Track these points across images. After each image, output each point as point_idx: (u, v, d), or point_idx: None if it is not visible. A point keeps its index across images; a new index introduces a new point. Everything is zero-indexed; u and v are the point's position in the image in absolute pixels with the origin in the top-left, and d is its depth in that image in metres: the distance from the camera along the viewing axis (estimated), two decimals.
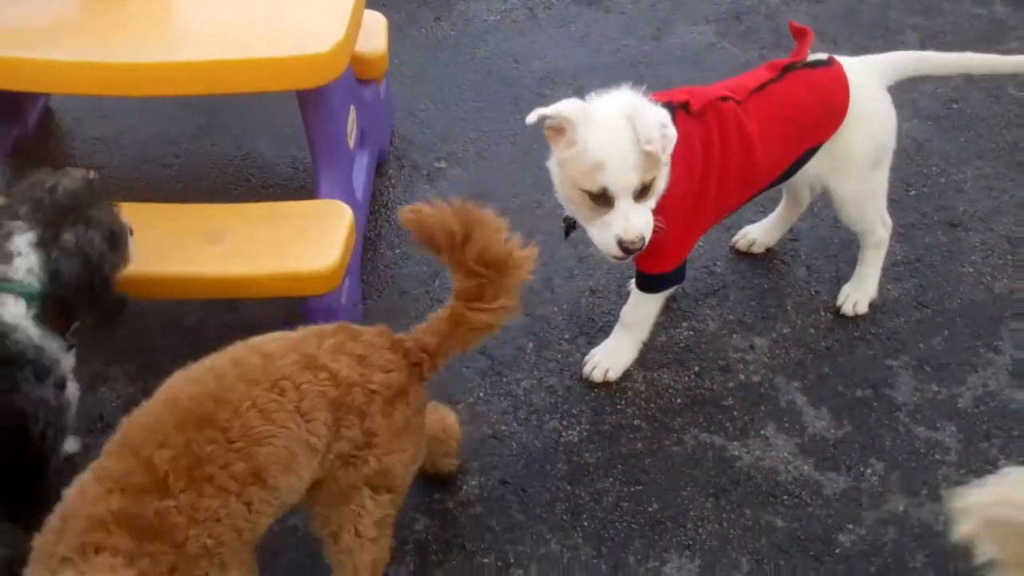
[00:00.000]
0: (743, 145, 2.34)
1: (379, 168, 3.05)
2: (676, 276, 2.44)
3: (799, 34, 2.47)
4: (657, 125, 2.05)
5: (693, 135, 2.27)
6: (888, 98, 2.51)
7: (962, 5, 3.68)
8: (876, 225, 2.62)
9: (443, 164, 3.09)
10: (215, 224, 2.39)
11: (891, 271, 2.78)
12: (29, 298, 2.03)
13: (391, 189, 3.02)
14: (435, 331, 1.94)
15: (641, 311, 2.50)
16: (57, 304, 2.07)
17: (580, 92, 2.21)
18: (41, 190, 2.09)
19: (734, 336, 2.65)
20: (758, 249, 2.84)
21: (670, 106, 2.24)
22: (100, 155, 3.10)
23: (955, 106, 3.29)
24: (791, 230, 2.87)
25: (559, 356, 2.61)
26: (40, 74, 2.40)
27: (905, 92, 3.24)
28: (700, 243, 2.84)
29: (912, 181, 3.05)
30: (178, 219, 2.40)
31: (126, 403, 2.46)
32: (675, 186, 2.23)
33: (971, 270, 2.81)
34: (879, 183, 2.56)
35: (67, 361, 2.12)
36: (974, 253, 2.85)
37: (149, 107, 3.26)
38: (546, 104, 2.17)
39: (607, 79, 2.28)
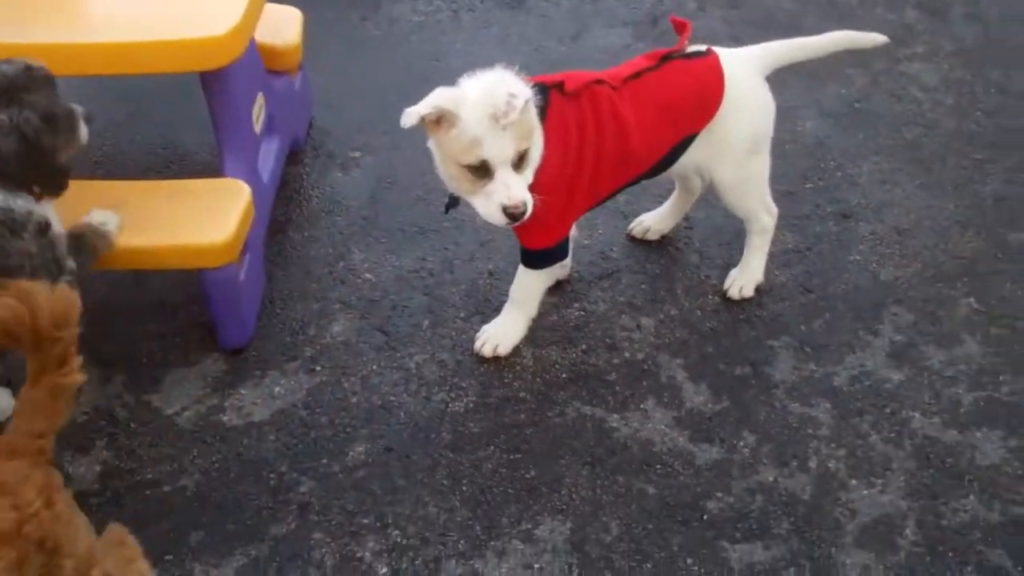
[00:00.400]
0: (617, 128, 2.44)
1: (294, 156, 3.15)
2: (558, 252, 2.53)
3: (679, 27, 2.58)
4: (505, 94, 2.15)
5: (568, 115, 2.37)
6: (765, 86, 2.62)
7: (874, 11, 3.80)
8: (759, 212, 2.72)
9: (357, 154, 3.20)
10: (116, 198, 2.49)
11: (780, 258, 2.89)
12: None
13: (305, 176, 3.12)
14: (39, 413, 1.76)
15: (527, 288, 2.59)
16: (4, 176, 2.20)
17: None
18: None
19: (623, 317, 2.75)
20: (653, 236, 2.94)
21: (543, 86, 2.35)
22: None
23: (857, 105, 3.41)
24: (686, 219, 2.97)
25: (453, 333, 2.70)
26: None
27: (809, 93, 3.40)
28: (597, 229, 2.95)
29: (809, 175, 3.16)
30: (81, 193, 2.48)
31: None
32: (549, 162, 2.34)
33: (859, 258, 2.91)
34: (759, 170, 2.66)
35: (42, 208, 2.26)
36: (863, 243, 2.96)
37: (79, 94, 3.34)
38: None
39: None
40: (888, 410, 2.54)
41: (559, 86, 2.39)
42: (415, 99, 2.26)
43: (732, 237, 2.92)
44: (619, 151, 2.46)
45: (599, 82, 2.44)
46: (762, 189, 2.69)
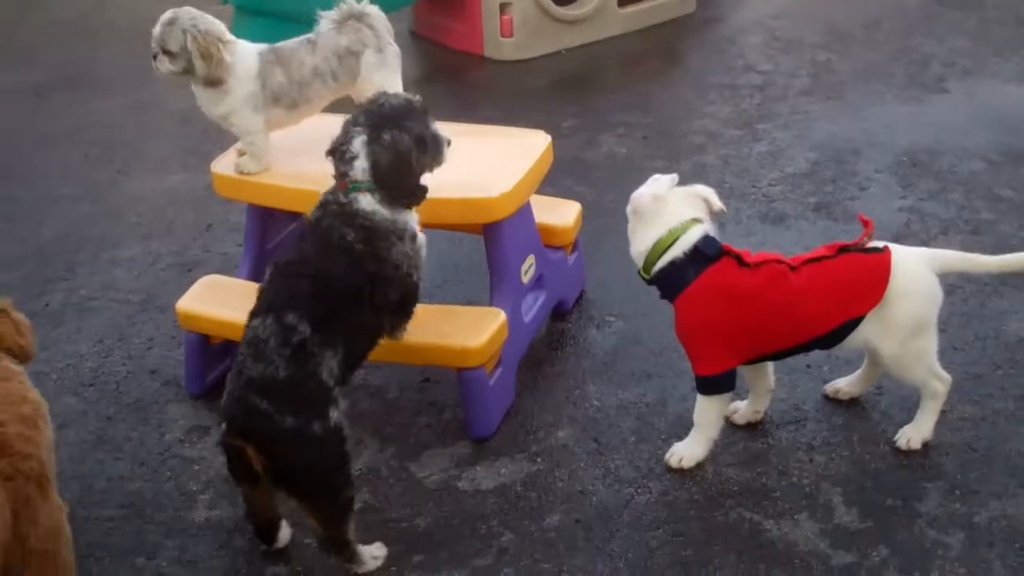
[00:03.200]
0: (788, 299, 3.03)
1: (563, 316, 3.92)
2: (720, 383, 3.11)
3: (864, 223, 3.12)
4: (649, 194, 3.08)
5: (731, 280, 3.04)
6: (932, 279, 3.07)
7: None
8: (928, 380, 3.14)
9: (612, 319, 3.92)
10: None
11: (955, 423, 3.28)
12: (372, 189, 2.92)
13: (566, 330, 3.87)
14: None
15: (702, 412, 3.18)
16: (383, 188, 2.92)
17: None
18: (374, 105, 2.97)
19: (799, 452, 3.23)
20: (843, 396, 3.40)
21: (724, 252, 3.06)
22: None
23: None
24: (879, 387, 3.42)
25: (652, 448, 3.28)
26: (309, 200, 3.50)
27: (1020, 303, 3.77)
28: (796, 388, 3.47)
29: (1002, 365, 3.52)
30: None
31: None
32: (690, 305, 3.07)
33: None
34: (923, 349, 3.09)
35: (413, 219, 3.02)
36: None
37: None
38: None
39: None
40: (1018, 545, 2.85)
41: (739, 257, 3.06)
42: None
43: (915, 404, 3.32)
44: (788, 318, 3.05)
45: (780, 261, 3.07)
46: (926, 363, 3.11)
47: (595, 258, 4.21)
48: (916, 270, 3.08)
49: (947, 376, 3.17)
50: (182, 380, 3.68)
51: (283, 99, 3.50)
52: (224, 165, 3.61)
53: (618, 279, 4.14)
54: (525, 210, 3.54)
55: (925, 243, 4.22)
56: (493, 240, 3.45)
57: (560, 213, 3.88)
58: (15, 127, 5.96)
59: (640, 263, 3.14)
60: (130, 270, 4.43)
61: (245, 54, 3.42)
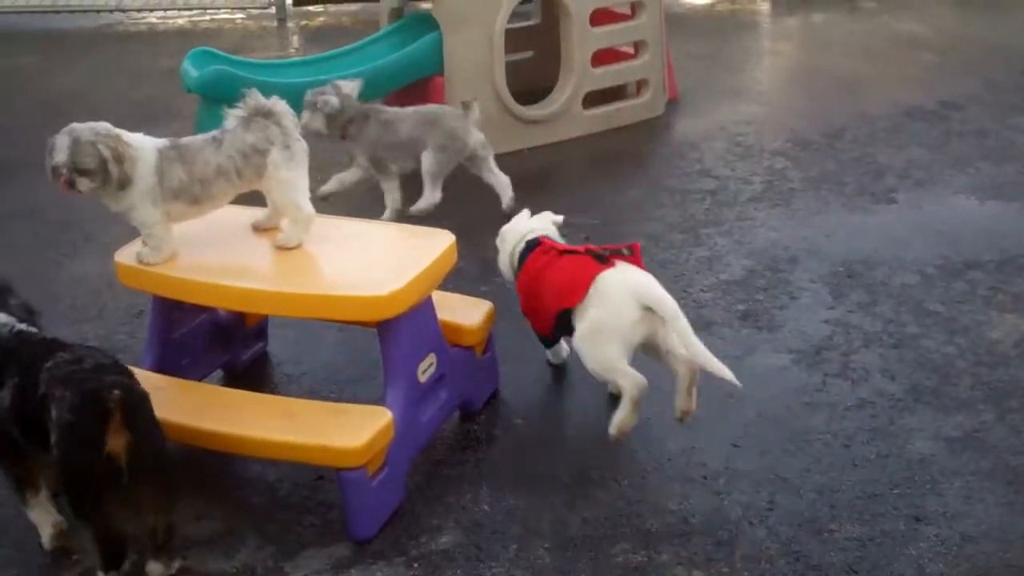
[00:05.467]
0: (545, 277, 3.77)
1: (471, 415, 3.89)
2: (543, 340, 4.03)
3: (635, 249, 3.69)
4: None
5: (530, 260, 3.87)
6: (627, 301, 3.51)
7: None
8: (614, 378, 3.58)
9: (519, 421, 3.89)
10: (288, 408, 3.33)
11: (841, 543, 3.22)
12: None
13: (472, 431, 3.84)
14: None
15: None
16: None
17: None
18: None
19: (678, 567, 3.17)
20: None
21: (539, 243, 3.91)
22: (289, 386, 4.15)
23: (976, 434, 3.69)
24: (769, 501, 3.35)
25: (532, 557, 3.23)
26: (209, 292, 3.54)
27: (934, 420, 3.73)
28: (688, 499, 3.42)
29: (900, 484, 3.46)
30: (264, 403, 3.34)
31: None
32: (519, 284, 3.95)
33: (913, 553, 3.17)
34: (594, 355, 3.59)
35: None
36: (924, 541, 3.21)
37: (334, 353, 4.31)
38: None
39: None
40: None
41: (541, 243, 3.88)
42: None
43: (804, 519, 3.27)
44: (542, 293, 3.77)
45: (551, 249, 3.84)
46: (605, 366, 3.56)
47: (514, 358, 4.20)
48: (613, 284, 3.55)
49: (639, 378, 3.50)
50: None
51: (183, 195, 3.49)
52: (128, 254, 3.63)
53: (533, 381, 4.13)
54: (424, 308, 3.54)
55: (846, 355, 4.20)
56: (386, 337, 3.44)
57: (469, 312, 3.88)
58: None
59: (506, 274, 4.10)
60: None
61: (143, 148, 3.45)
